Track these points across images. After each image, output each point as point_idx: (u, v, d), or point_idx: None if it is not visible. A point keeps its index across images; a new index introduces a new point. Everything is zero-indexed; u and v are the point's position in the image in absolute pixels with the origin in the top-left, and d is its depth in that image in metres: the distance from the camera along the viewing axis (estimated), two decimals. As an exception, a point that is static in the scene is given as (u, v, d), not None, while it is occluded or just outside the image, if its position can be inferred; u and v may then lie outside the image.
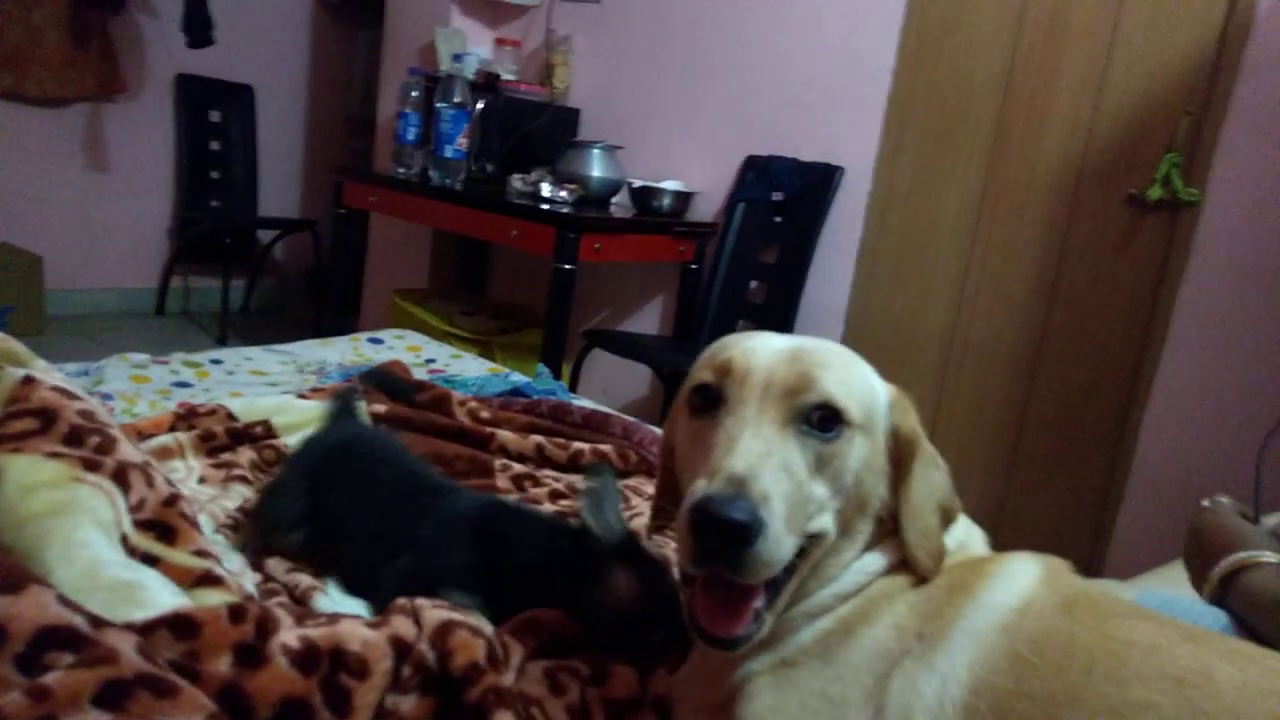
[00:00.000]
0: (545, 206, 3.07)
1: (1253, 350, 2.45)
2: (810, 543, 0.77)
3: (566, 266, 2.94)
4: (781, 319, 3.18)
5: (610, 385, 3.72)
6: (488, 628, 0.86)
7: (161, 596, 0.81)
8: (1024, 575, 0.80)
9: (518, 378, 2.04)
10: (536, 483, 1.54)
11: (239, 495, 1.34)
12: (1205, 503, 1.10)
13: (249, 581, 1.05)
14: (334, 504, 1.19)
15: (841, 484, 0.79)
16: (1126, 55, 2.65)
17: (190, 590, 0.89)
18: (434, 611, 0.85)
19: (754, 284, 3.37)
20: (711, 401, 0.80)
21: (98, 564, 0.81)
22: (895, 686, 0.74)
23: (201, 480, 1.39)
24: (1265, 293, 2.42)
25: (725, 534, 0.68)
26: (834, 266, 3.19)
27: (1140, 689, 0.66)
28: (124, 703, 0.65)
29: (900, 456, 0.85)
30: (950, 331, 3.04)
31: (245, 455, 1.47)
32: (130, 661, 0.68)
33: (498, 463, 1.58)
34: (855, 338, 3.21)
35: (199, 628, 0.76)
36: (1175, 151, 2.56)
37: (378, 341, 2.32)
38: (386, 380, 1.77)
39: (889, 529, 0.85)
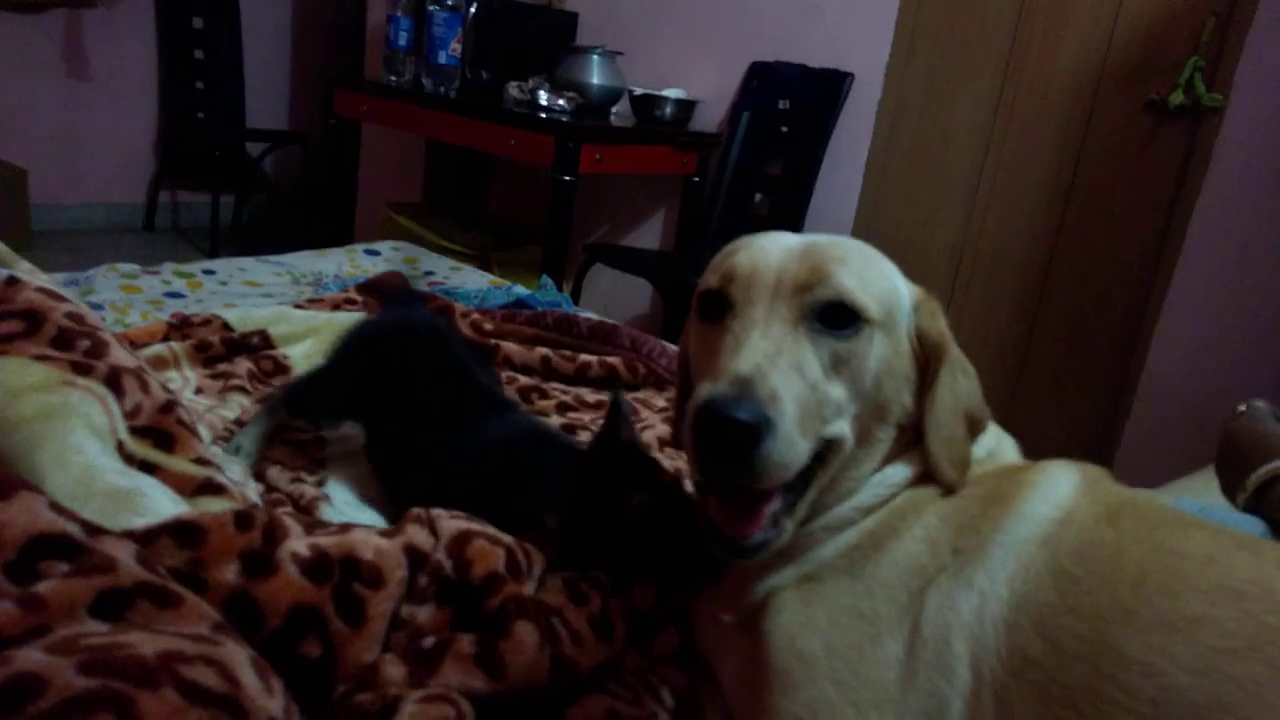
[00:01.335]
0: (543, 116, 2.96)
1: (1270, 264, 2.39)
2: (827, 449, 0.73)
3: (566, 178, 2.85)
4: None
5: (611, 301, 3.66)
6: (506, 537, 0.82)
7: (162, 504, 0.77)
8: (1063, 484, 0.76)
9: (520, 290, 1.99)
10: (544, 395, 1.50)
11: (237, 406, 1.30)
12: (1240, 407, 1.06)
13: (251, 490, 1.01)
14: (378, 398, 1.14)
15: (860, 386, 0.74)
16: (1152, -46, 2.53)
17: (191, 499, 0.85)
18: (451, 521, 0.82)
19: (758, 197, 3.28)
20: (720, 306, 0.76)
21: (92, 470, 0.77)
22: (931, 603, 0.70)
23: (198, 391, 1.35)
24: (1287, 204, 2.35)
25: (732, 436, 0.64)
26: (841, 178, 3.10)
27: (1197, 602, 0.63)
28: (123, 612, 0.61)
29: (925, 362, 0.80)
30: (960, 245, 2.97)
31: (243, 366, 1.42)
32: (129, 570, 0.64)
33: (503, 375, 1.53)
34: (861, 252, 3.14)
35: (204, 534, 0.72)
36: (1199, 55, 2.46)
37: (374, 253, 2.25)
38: (390, 292, 1.71)
39: (912, 439, 0.80)
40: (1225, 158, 2.45)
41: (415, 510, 0.84)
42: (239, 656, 0.58)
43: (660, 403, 1.53)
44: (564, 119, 2.95)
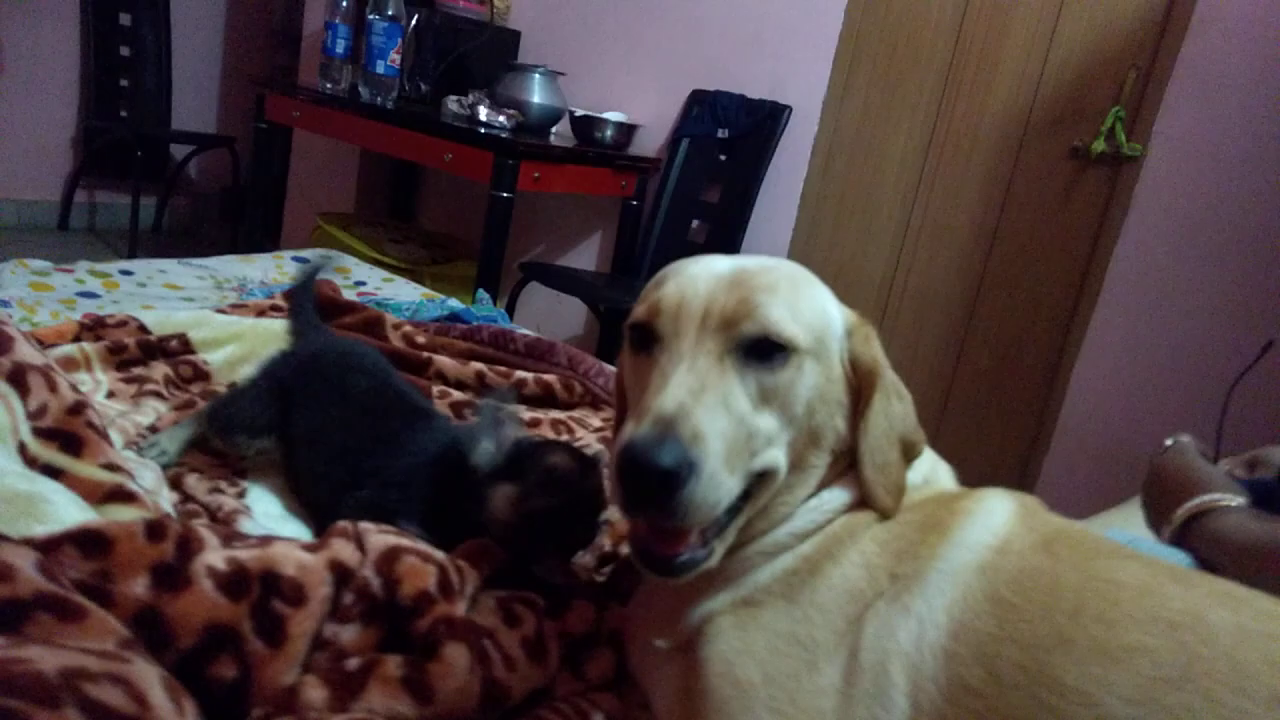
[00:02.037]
0: (483, 131, 2.93)
1: (1185, 309, 2.49)
2: (759, 479, 0.73)
3: (504, 195, 2.81)
4: (722, 259, 3.12)
5: (545, 321, 3.63)
6: (438, 554, 0.79)
7: (66, 511, 0.72)
8: (1000, 512, 0.76)
9: (454, 303, 1.94)
10: (476, 411, 1.46)
11: (152, 411, 1.23)
12: (1168, 442, 1.08)
13: (165, 499, 0.95)
14: (302, 417, 1.10)
15: (791, 414, 0.74)
16: (1077, 7, 2.63)
17: (99, 506, 0.80)
18: (379, 536, 0.78)
19: (695, 223, 3.30)
20: (649, 338, 0.74)
21: (-9, 472, 0.72)
22: (869, 630, 0.69)
23: (110, 395, 1.28)
24: (1201, 251, 2.45)
25: (655, 480, 0.63)
26: (777, 208, 3.14)
27: (1132, 632, 0.63)
28: (20, 625, 0.56)
29: (859, 386, 0.80)
30: (889, 279, 3.03)
31: (159, 370, 1.35)
32: (28, 579, 0.59)
33: (435, 389, 1.49)
34: (794, 281, 3.18)
35: (111, 544, 0.67)
36: (1121, 106, 2.56)
37: (303, 260, 2.18)
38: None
39: (848, 463, 0.80)
40: (1143, 205, 2.55)
41: (342, 524, 0.80)
42: (148, 675, 0.54)
43: (596, 422, 1.51)
44: (503, 135, 2.92)
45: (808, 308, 0.77)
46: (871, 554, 0.74)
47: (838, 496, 0.78)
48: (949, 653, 0.66)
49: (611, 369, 1.65)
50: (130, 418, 1.19)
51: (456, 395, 1.49)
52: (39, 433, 0.83)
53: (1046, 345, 2.77)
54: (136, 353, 1.37)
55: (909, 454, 0.83)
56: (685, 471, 0.63)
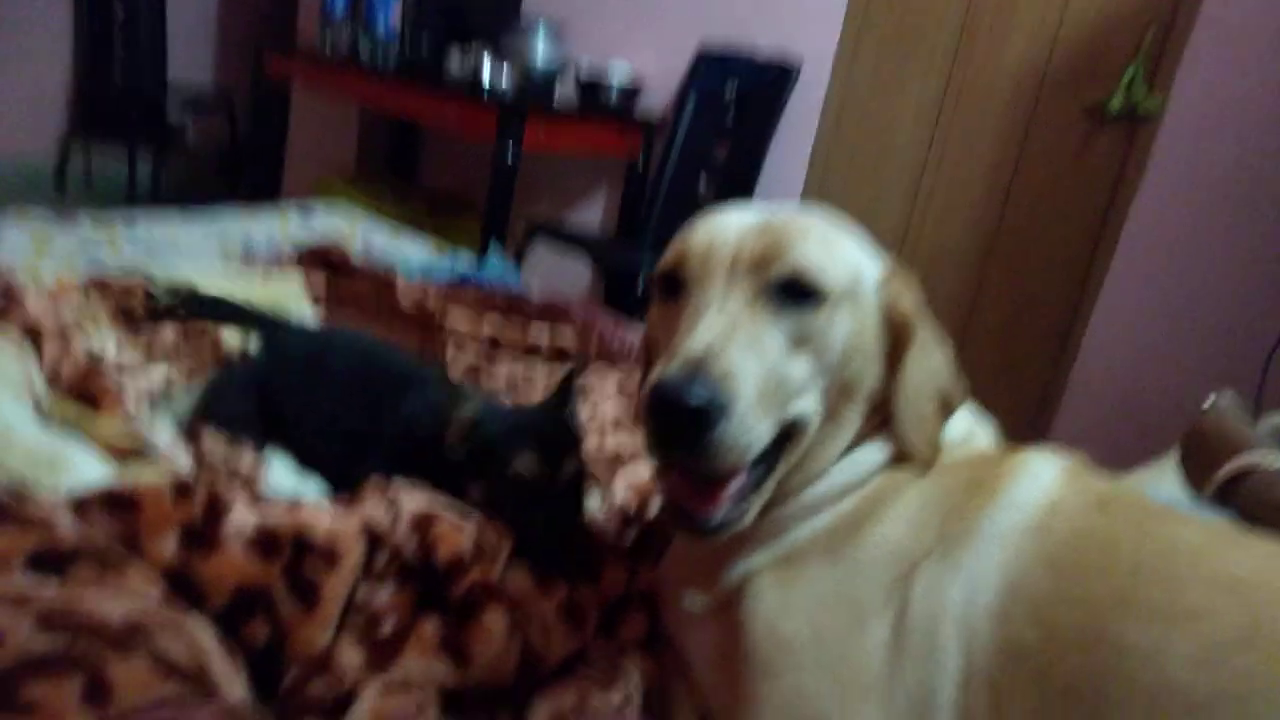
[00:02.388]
0: (486, 91, 2.87)
1: (1201, 269, 2.46)
2: (793, 428, 0.70)
3: (509, 156, 2.77)
4: (730, 220, 3.08)
5: (548, 282, 3.57)
6: (471, 520, 0.76)
7: (88, 469, 0.70)
8: (1047, 472, 0.74)
9: (464, 264, 1.91)
10: (491, 375, 1.44)
11: (163, 372, 1.21)
12: (1208, 402, 1.06)
13: (181, 456, 0.92)
14: (287, 401, 1.07)
15: (825, 362, 0.71)
16: (1097, -40, 2.57)
17: (119, 464, 0.77)
18: (411, 497, 0.76)
19: (703, 183, 3.24)
20: (678, 285, 0.73)
21: (9, 427, 0.69)
22: (918, 590, 0.67)
23: (119, 354, 1.24)
24: (1218, 211, 2.42)
25: (684, 419, 0.61)
26: (786, 169, 3.09)
27: (1194, 593, 0.61)
28: (64, 573, 0.54)
29: (895, 337, 0.77)
30: (901, 239, 2.99)
31: (169, 332, 1.32)
32: (68, 530, 0.57)
33: (448, 350, 1.46)
34: (803, 242, 3.14)
35: (138, 505, 0.65)
36: (1139, 62, 2.51)
37: (308, 214, 2.14)
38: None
39: (884, 418, 0.77)
40: (1160, 163, 2.51)
41: (375, 480, 0.77)
42: (203, 631, 0.52)
43: (611, 383, 1.48)
44: (508, 96, 2.86)
45: (841, 252, 0.75)
46: (916, 512, 0.72)
47: (874, 453, 0.76)
48: (1002, 613, 0.65)
49: (626, 330, 1.62)
50: (142, 376, 1.16)
51: (471, 356, 1.47)
52: (55, 389, 0.80)
53: (1060, 304, 2.74)
54: (145, 313, 1.34)
55: (947, 408, 0.80)
56: (715, 411, 0.61)
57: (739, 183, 3.08)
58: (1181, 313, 2.50)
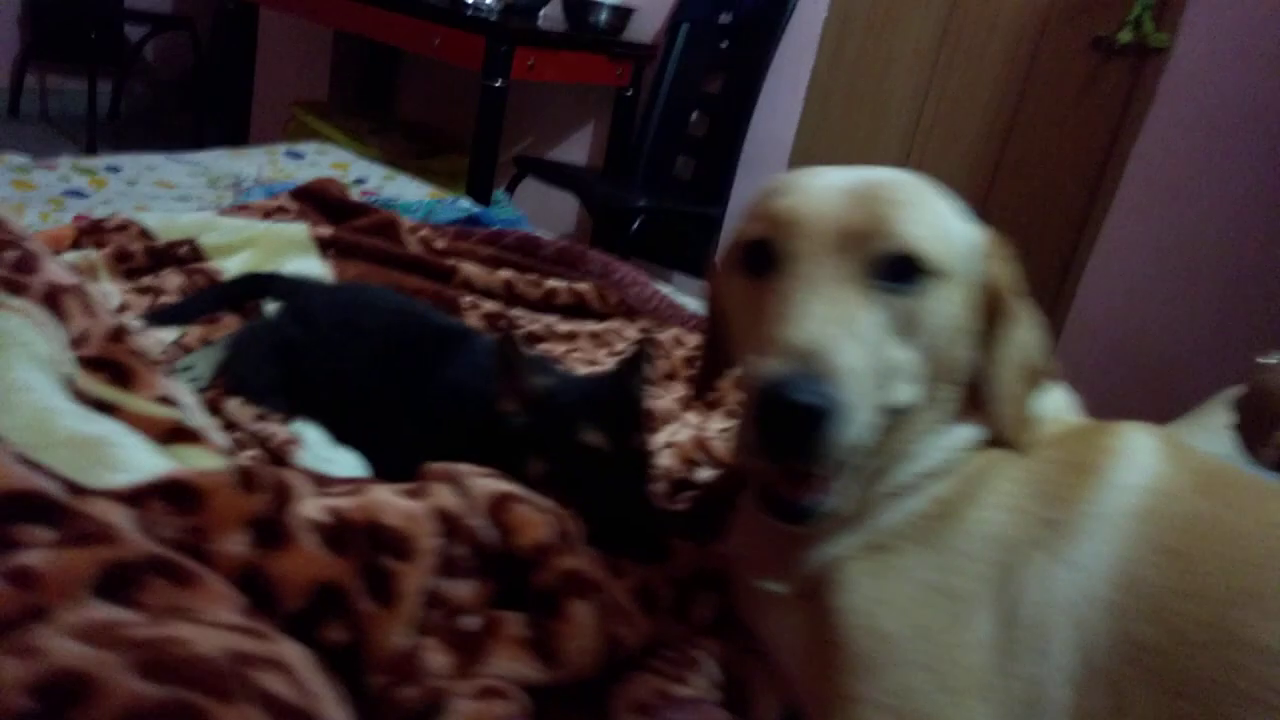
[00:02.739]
0: (469, 12, 2.73)
1: (1204, 209, 2.44)
2: (894, 418, 0.66)
3: (497, 83, 2.65)
4: (724, 154, 3.00)
5: (534, 218, 3.48)
6: (546, 501, 0.72)
7: (138, 456, 0.64)
8: (1146, 450, 0.69)
9: (468, 204, 1.83)
10: (512, 324, 1.38)
11: (174, 328, 1.14)
12: (1269, 360, 1.03)
13: (213, 430, 0.87)
14: (315, 367, 1.01)
15: (930, 345, 0.66)
16: (1109, -116, 2.48)
17: (163, 447, 0.71)
18: (482, 480, 0.71)
19: (695, 115, 3.15)
20: (767, 260, 0.66)
21: (47, 413, 0.63)
22: (1024, 580, 0.63)
23: (124, 308, 1.17)
24: (1225, 149, 2.39)
25: (799, 421, 0.57)
26: (782, 99, 3.00)
27: None
28: (133, 591, 0.49)
29: (991, 313, 0.73)
30: (898, 175, 2.94)
31: (172, 280, 1.25)
32: (134, 540, 0.52)
33: (465, 299, 1.40)
34: (798, 177, 3.08)
35: (203, 497, 0.59)
36: (1149, -6, 2.45)
37: (298, 155, 2.04)
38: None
39: (973, 396, 0.73)
40: (1168, 99, 2.46)
41: (438, 466, 0.72)
42: (296, 656, 0.48)
43: (632, 332, 1.43)
44: (492, 17, 2.73)
45: (947, 225, 0.69)
46: (1015, 496, 0.68)
47: (967, 433, 0.72)
48: (1118, 607, 0.61)
49: (647, 279, 1.56)
50: (152, 334, 1.09)
51: (487, 306, 1.40)
52: (84, 362, 0.74)
53: (1060, 242, 2.72)
54: (145, 260, 1.27)
55: (1037, 384, 0.76)
56: (830, 412, 0.57)
57: (733, 114, 3.00)
58: (1183, 251, 2.49)
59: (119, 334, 0.78)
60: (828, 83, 2.97)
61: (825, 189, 0.68)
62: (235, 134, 3.68)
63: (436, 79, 3.81)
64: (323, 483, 0.68)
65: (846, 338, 0.60)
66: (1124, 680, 0.59)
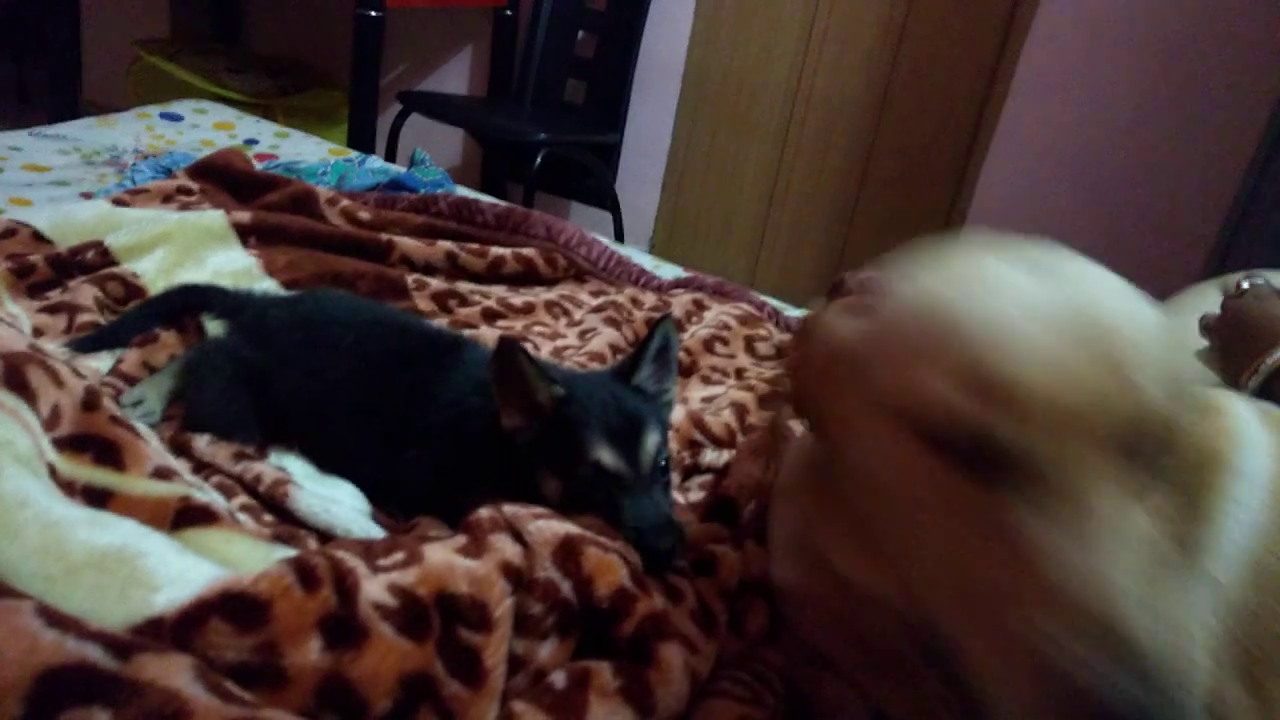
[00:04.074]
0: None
1: (1095, 104, 2.51)
2: None
3: (373, 12, 2.46)
4: (615, 76, 2.90)
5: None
6: (608, 538, 0.68)
7: (169, 561, 0.56)
8: (1254, 425, 0.64)
9: (379, 163, 1.71)
10: (463, 301, 1.30)
11: (106, 360, 1.02)
12: (1244, 283, 1.04)
13: (213, 493, 0.78)
14: (284, 388, 0.92)
15: None
16: None
17: (174, 533, 0.64)
18: (541, 524, 0.66)
19: (581, 34, 3.02)
20: (993, 459, 0.46)
21: (55, 529, 0.55)
22: (1160, 587, 0.60)
23: (37, 334, 1.04)
24: (1114, 43, 2.45)
25: None
26: (672, 14, 2.91)
27: None
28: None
29: None
30: (794, 87, 2.91)
31: (86, 293, 1.11)
32: (206, 707, 0.46)
33: (409, 279, 1.31)
34: (695, 96, 3.01)
35: (265, 607, 0.53)
36: (1030, -108, 2.45)
37: (175, 118, 1.85)
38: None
39: None
40: (1052, 2, 2.50)
41: (484, 513, 0.67)
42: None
43: (585, 297, 1.38)
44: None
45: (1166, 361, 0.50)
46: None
47: None
48: (1255, 610, 0.57)
49: (596, 237, 1.50)
50: (83, 364, 0.98)
51: (435, 284, 1.32)
52: (61, 444, 0.65)
53: (955, 149, 2.77)
54: (48, 272, 1.12)
55: None
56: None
57: (621, 33, 2.89)
58: (1075, 146, 2.57)
59: (92, 400, 0.69)
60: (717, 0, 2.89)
61: (1044, 338, 0.46)
62: (66, 81, 3.31)
63: (289, 7, 3.51)
64: (369, 553, 0.62)
65: (1155, 585, 0.43)
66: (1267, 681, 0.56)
